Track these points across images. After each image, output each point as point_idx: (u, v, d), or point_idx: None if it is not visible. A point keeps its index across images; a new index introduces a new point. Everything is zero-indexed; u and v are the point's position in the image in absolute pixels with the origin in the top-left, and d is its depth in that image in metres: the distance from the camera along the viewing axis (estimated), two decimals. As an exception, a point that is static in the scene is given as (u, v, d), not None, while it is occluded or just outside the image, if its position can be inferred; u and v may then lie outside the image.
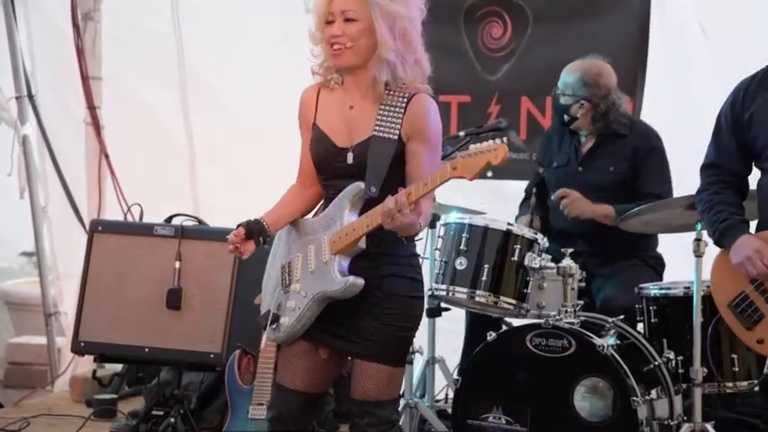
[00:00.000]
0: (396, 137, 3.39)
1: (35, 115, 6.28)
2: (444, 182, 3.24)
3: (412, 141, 3.40)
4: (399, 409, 4.83)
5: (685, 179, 5.03)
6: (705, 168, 4.07)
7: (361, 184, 3.38)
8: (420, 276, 3.53)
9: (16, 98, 6.26)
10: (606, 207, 4.94)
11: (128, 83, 6.28)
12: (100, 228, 5.27)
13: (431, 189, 3.24)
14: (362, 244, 3.39)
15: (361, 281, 3.37)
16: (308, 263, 3.47)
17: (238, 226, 3.46)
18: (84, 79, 6.11)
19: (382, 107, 3.41)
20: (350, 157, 3.42)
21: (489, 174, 5.99)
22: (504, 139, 3.19)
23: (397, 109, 3.40)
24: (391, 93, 3.42)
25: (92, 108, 6.11)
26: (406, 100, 3.41)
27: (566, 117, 5.10)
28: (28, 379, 6.33)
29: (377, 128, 3.39)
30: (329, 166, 3.47)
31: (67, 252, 6.10)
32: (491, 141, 3.18)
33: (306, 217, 3.58)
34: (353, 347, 3.45)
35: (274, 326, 3.49)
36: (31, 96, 6.27)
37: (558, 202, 5.01)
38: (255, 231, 3.46)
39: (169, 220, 5.29)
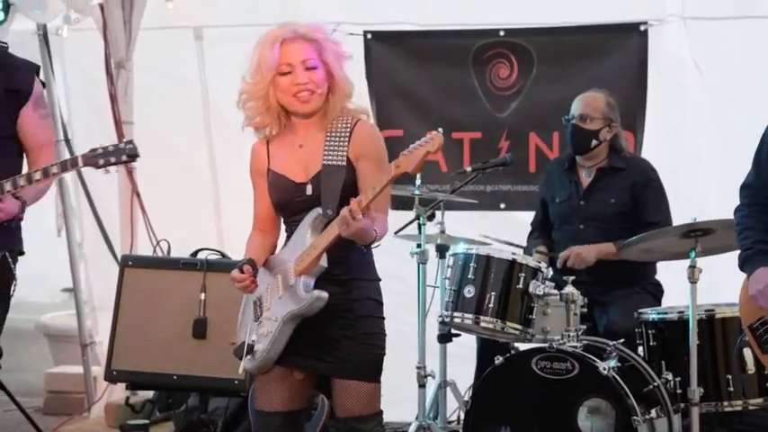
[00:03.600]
0: (344, 162, 3.50)
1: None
2: (391, 180, 3.34)
3: (360, 161, 3.51)
4: (414, 430, 4.90)
5: (682, 210, 5.09)
6: (743, 188, 4.00)
7: (319, 209, 3.48)
8: (382, 299, 3.61)
9: (54, 143, 6.36)
10: (608, 245, 4.98)
11: (157, 126, 6.35)
12: (130, 262, 5.36)
13: (380, 191, 3.34)
14: (324, 262, 3.46)
15: (325, 294, 3.44)
16: (277, 290, 3.53)
17: (241, 266, 3.52)
18: (117, 124, 6.15)
19: (328, 136, 3.53)
20: (309, 189, 3.52)
21: (502, 205, 6.10)
22: (440, 129, 3.33)
23: (342, 136, 3.52)
24: (334, 121, 3.54)
25: (124, 151, 6.20)
26: (349, 127, 3.53)
27: (593, 142, 5.10)
28: (66, 406, 6.36)
29: (325, 157, 3.50)
30: (291, 203, 3.56)
31: (102, 285, 6.15)
32: (427, 135, 3.31)
33: (270, 256, 3.65)
34: (332, 368, 3.52)
35: (249, 356, 3.53)
36: (67, 140, 6.36)
37: (564, 265, 5.04)
38: (255, 269, 3.55)
39: (195, 254, 5.37)
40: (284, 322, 3.48)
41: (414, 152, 3.31)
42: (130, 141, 4.02)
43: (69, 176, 6.37)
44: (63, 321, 7.19)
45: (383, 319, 3.60)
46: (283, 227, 3.68)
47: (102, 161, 3.95)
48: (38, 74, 4.43)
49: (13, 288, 4.37)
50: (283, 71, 3.49)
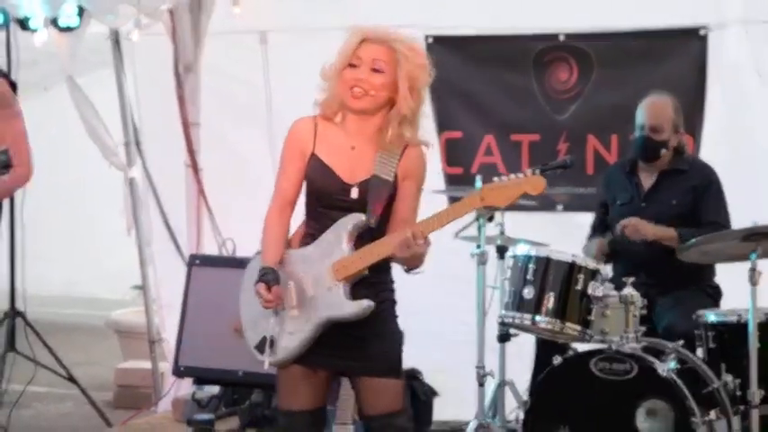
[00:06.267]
0: (392, 179, 3.48)
1: (141, 159, 6.42)
2: (469, 212, 3.35)
3: (405, 181, 3.51)
4: (473, 429, 4.87)
5: (743, 213, 5.00)
6: None
7: (362, 216, 3.44)
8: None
9: (124, 144, 6.41)
10: (669, 229, 4.91)
11: (223, 128, 6.36)
12: (197, 261, 5.39)
13: (454, 218, 3.35)
14: (366, 271, 3.45)
15: (373, 304, 3.42)
16: (306, 290, 3.48)
17: (267, 286, 3.45)
18: (185, 126, 6.19)
19: (381, 152, 3.50)
20: (354, 193, 3.48)
21: (559, 207, 6.04)
22: (537, 171, 3.30)
23: (394, 155, 3.49)
24: (390, 142, 3.50)
25: (191, 152, 6.20)
26: (402, 147, 3.50)
27: (663, 151, 5.03)
28: (135, 400, 6.42)
29: (377, 168, 3.48)
30: (331, 198, 3.51)
31: (169, 283, 6.17)
32: (528, 171, 3.31)
33: (290, 249, 3.58)
34: (361, 367, 3.51)
35: (271, 349, 3.49)
36: (137, 142, 6.41)
37: (621, 235, 4.98)
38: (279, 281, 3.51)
39: (260, 253, 5.36)
40: (318, 325, 3.45)
41: (508, 189, 3.30)
42: (4, 152, 3.81)
43: (138, 177, 6.42)
44: (132, 318, 7.24)
45: (398, 317, 3.61)
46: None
47: None
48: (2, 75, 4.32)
49: None
50: (352, 63, 3.47)
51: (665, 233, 4.91)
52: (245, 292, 3.64)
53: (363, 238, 3.46)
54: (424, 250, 3.34)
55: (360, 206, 3.47)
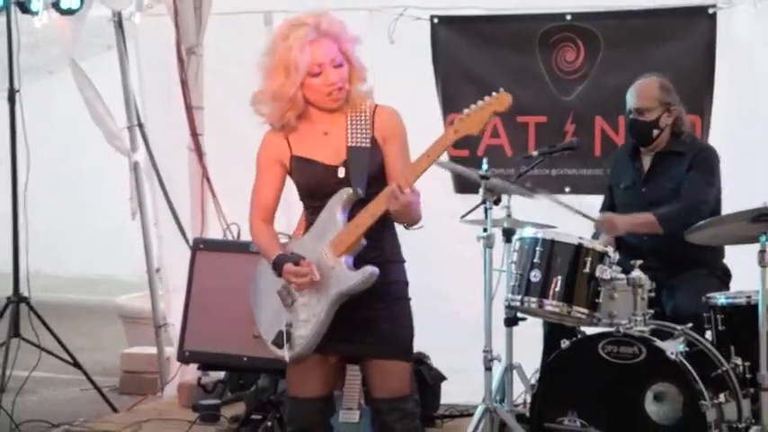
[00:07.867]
0: (368, 144, 3.50)
1: (144, 143, 6.40)
2: (447, 147, 3.37)
3: (387, 145, 3.52)
4: (480, 413, 4.86)
5: (753, 194, 4.96)
6: None
7: (349, 189, 3.45)
8: (408, 281, 3.64)
9: (128, 128, 6.40)
10: (644, 215, 4.85)
11: (227, 111, 6.32)
12: (202, 246, 5.38)
13: (434, 160, 3.35)
14: (363, 241, 3.44)
15: (377, 270, 3.42)
16: (312, 275, 3.46)
17: (294, 263, 3.45)
18: (188, 109, 6.16)
19: (350, 118, 3.52)
20: (341, 172, 3.50)
21: (567, 189, 6.01)
22: (501, 89, 3.33)
23: (364, 119, 3.52)
24: (354, 106, 3.54)
25: (195, 135, 6.17)
26: (370, 110, 3.54)
27: (654, 132, 4.98)
28: (140, 386, 6.44)
29: (350, 139, 3.50)
30: (324, 187, 3.52)
31: (174, 268, 6.17)
32: (491, 94, 3.33)
33: (289, 242, 3.62)
34: (373, 350, 3.51)
35: (289, 343, 3.49)
36: (140, 125, 6.39)
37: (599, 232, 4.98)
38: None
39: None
40: (331, 304, 3.45)
41: (477, 114, 3.33)
42: None
43: (143, 161, 6.41)
44: (138, 303, 7.22)
45: (410, 299, 3.62)
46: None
47: None
48: None
49: None
50: (315, 72, 3.48)
51: (642, 220, 4.84)
52: (256, 296, 3.66)
53: (355, 212, 3.46)
54: (413, 199, 3.34)
55: (349, 183, 3.48)
